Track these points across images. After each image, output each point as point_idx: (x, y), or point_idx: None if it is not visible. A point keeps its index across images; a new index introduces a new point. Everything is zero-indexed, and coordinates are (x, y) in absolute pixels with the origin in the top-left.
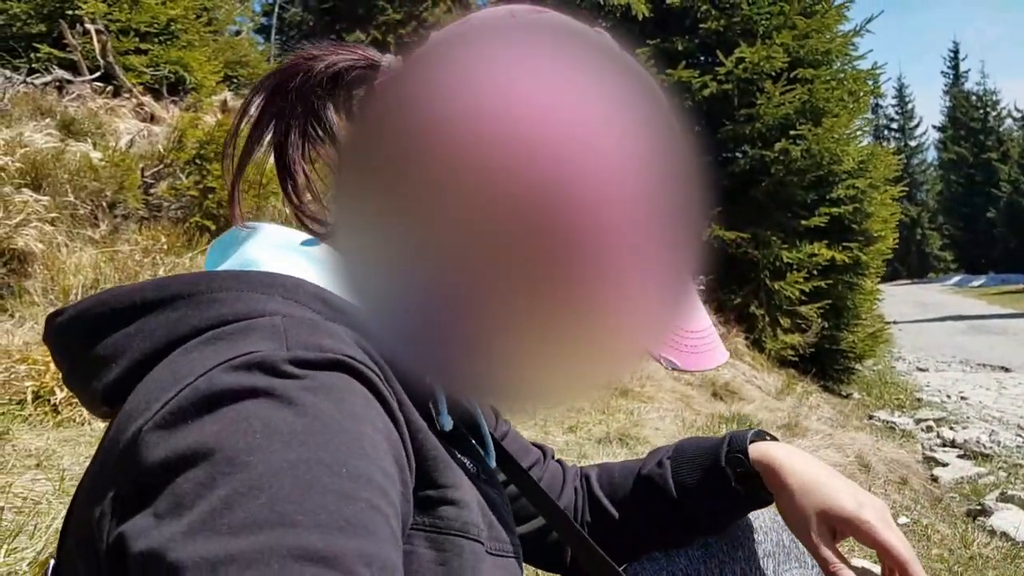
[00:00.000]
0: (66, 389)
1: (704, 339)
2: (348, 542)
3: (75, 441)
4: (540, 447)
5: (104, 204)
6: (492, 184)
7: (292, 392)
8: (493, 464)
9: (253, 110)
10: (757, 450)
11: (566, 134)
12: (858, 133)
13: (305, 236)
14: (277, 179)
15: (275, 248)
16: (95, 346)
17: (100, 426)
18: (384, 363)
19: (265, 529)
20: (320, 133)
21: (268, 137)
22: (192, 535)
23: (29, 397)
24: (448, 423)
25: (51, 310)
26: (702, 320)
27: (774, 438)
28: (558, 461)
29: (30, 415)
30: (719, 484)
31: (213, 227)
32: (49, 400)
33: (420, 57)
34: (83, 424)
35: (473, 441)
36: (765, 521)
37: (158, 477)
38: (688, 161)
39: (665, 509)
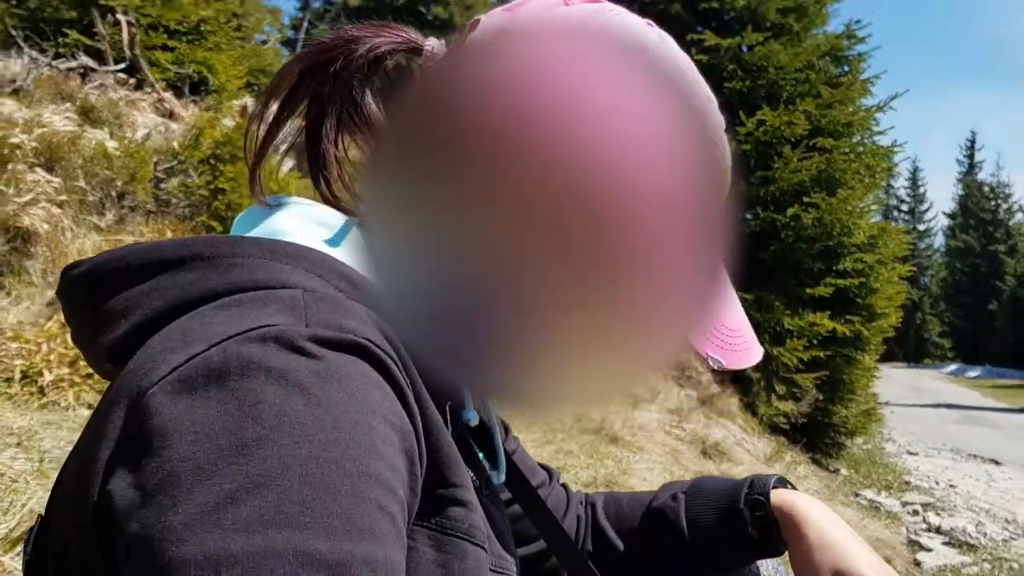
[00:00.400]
0: (54, 371)
1: (742, 337)
2: (355, 547)
3: (58, 424)
4: (547, 469)
5: (114, 193)
6: (552, 179)
7: (306, 378)
8: (501, 479)
9: (286, 85)
10: (779, 496)
11: (628, 136)
12: (871, 208)
13: (335, 214)
14: (290, 189)
15: (303, 220)
16: (107, 302)
17: (85, 413)
18: (404, 351)
19: (271, 530)
20: (357, 120)
21: (295, 117)
22: (193, 528)
23: (17, 376)
24: (474, 418)
25: (48, 292)
26: (739, 317)
27: (794, 487)
28: (563, 485)
29: (16, 394)
30: (734, 527)
31: (219, 228)
32: (36, 381)
33: (475, 45)
34: (67, 409)
35: (481, 455)
36: (769, 569)
37: (153, 444)
38: (726, 165)
39: (673, 546)
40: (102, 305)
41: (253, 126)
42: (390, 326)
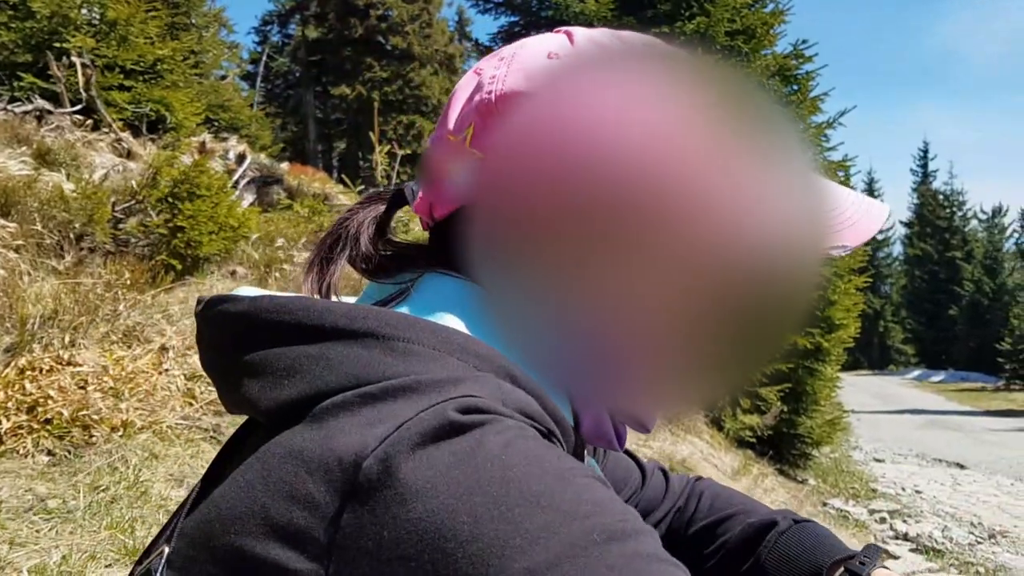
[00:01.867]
0: (11, 418)
1: (856, 205)
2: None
3: (15, 473)
4: (640, 466)
5: (72, 235)
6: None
7: (519, 433)
8: None
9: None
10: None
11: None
12: None
13: (464, 286)
14: (250, 224)
15: (459, 303)
16: (263, 349)
17: (43, 459)
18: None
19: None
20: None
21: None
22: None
23: None
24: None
25: (7, 338)
26: (840, 194)
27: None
28: (663, 472)
29: None
30: None
31: (179, 266)
32: None
33: (515, 117)
34: (26, 456)
35: None
36: None
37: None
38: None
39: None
40: (253, 349)
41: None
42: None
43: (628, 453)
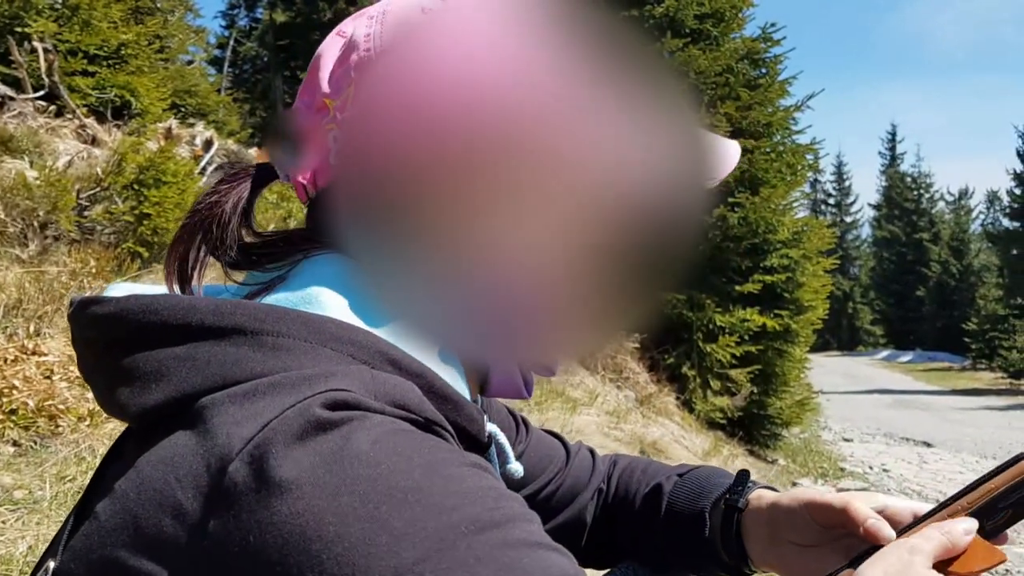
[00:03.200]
0: None
1: (718, 143)
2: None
3: None
4: (565, 445)
5: (36, 223)
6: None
7: (390, 429)
8: None
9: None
10: (756, 493)
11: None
12: (795, 205)
13: (346, 263)
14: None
15: (336, 283)
16: (133, 353)
17: (9, 449)
18: (450, 424)
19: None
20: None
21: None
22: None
23: None
24: (519, 471)
25: None
26: (704, 133)
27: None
28: (591, 453)
29: None
30: (698, 522)
31: (146, 254)
32: None
33: (374, 79)
34: None
35: None
36: None
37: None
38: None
39: (650, 523)
40: (125, 354)
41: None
42: (435, 402)
43: (552, 433)
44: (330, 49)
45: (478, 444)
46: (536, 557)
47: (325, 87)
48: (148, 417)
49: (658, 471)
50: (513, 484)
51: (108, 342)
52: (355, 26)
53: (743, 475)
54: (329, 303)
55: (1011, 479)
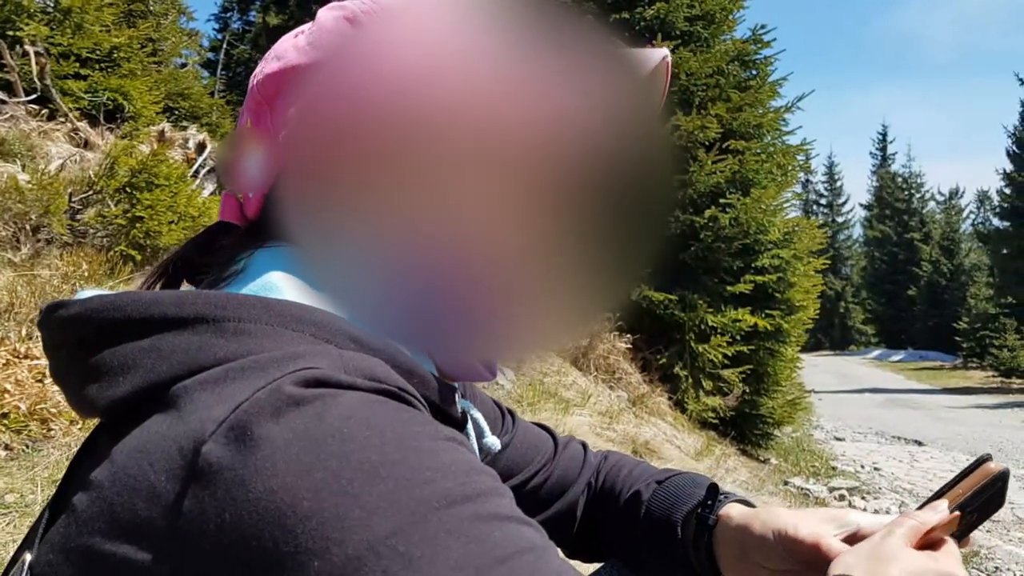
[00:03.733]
0: None
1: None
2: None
3: None
4: (555, 439)
5: (28, 227)
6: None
7: (361, 401)
8: None
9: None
10: (728, 507)
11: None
12: (785, 205)
13: (296, 253)
14: (211, 213)
15: (295, 272)
16: (100, 351)
17: (1, 454)
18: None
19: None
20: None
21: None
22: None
23: None
24: (496, 444)
25: None
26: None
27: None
28: (583, 446)
29: None
30: (671, 532)
31: (139, 257)
32: None
33: (318, 65)
34: None
35: None
36: None
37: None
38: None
39: (629, 529)
40: (92, 353)
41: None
42: (402, 378)
43: (542, 426)
44: (267, 64)
45: (451, 420)
46: (506, 530)
47: (243, 115)
48: (117, 409)
49: (642, 474)
50: (499, 472)
51: (75, 343)
52: (279, 45)
53: (712, 489)
54: (286, 288)
55: (976, 483)
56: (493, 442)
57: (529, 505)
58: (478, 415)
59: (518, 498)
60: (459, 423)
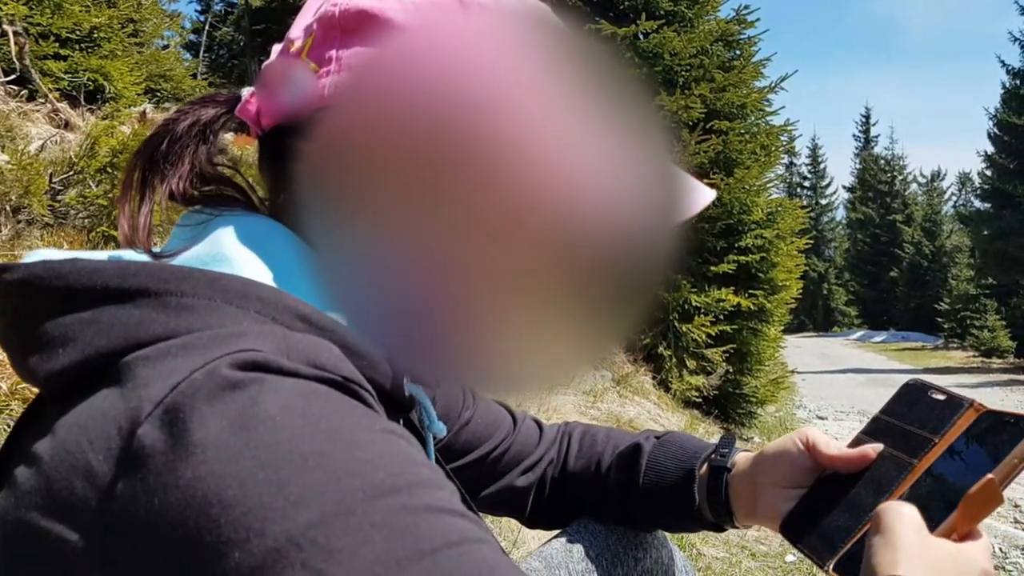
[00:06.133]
0: None
1: (689, 184)
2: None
3: None
4: (512, 414)
5: (8, 208)
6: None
7: (301, 393)
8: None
9: (131, 178)
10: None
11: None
12: (768, 186)
13: (268, 224)
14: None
15: (250, 242)
16: (42, 321)
17: None
18: (367, 382)
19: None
20: (205, 181)
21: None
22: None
23: None
24: (443, 430)
25: None
26: (678, 174)
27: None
28: (537, 423)
29: None
30: (687, 481)
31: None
32: None
33: (356, 76)
34: None
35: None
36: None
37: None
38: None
39: (628, 487)
40: (34, 321)
41: (123, 221)
42: (351, 358)
43: (500, 403)
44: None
45: (399, 404)
46: (436, 521)
47: (293, 32)
48: (56, 381)
49: (623, 435)
50: (460, 445)
51: (19, 309)
52: None
53: (728, 439)
54: (239, 261)
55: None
56: (440, 428)
57: (489, 476)
58: (426, 400)
59: (480, 469)
60: (406, 407)
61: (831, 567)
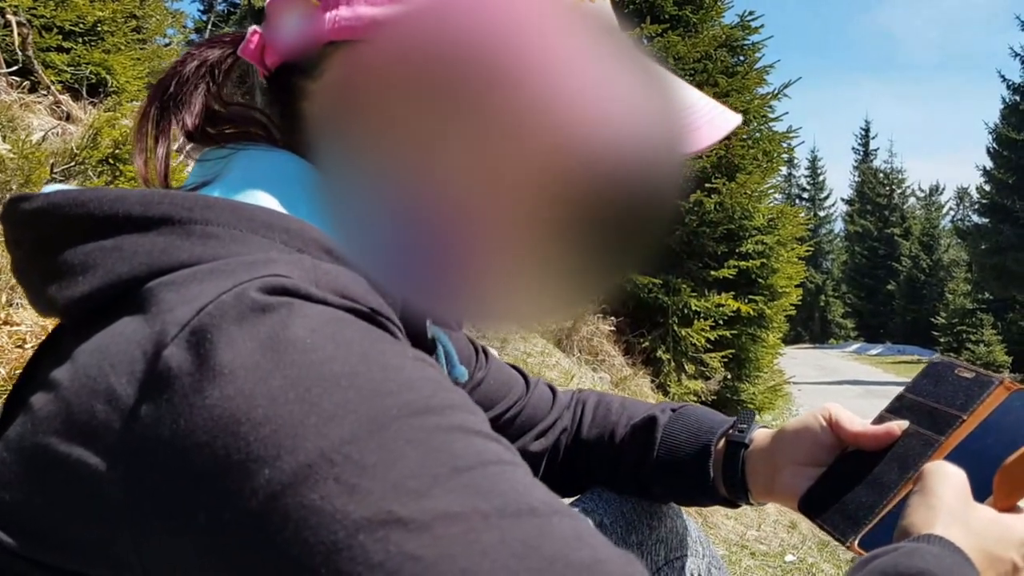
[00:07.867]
0: None
1: (708, 109)
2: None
3: None
4: (525, 378)
5: (8, 196)
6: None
7: (329, 318)
8: None
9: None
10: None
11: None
12: (769, 192)
13: (291, 159)
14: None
15: (273, 175)
16: (62, 250)
17: None
18: (393, 313)
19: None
20: (215, 121)
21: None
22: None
23: None
24: (464, 374)
25: None
26: (693, 97)
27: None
28: (551, 389)
29: None
30: (702, 454)
31: None
32: None
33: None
34: None
35: None
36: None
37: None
38: None
39: (642, 458)
40: (54, 251)
41: (138, 159)
42: (375, 289)
43: (514, 367)
44: None
45: (421, 346)
46: (469, 441)
47: None
48: (76, 308)
49: (639, 405)
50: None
51: (38, 239)
52: None
53: (747, 415)
54: (262, 193)
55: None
56: (461, 371)
57: (504, 437)
58: (448, 343)
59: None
60: (428, 348)
61: (856, 543)
